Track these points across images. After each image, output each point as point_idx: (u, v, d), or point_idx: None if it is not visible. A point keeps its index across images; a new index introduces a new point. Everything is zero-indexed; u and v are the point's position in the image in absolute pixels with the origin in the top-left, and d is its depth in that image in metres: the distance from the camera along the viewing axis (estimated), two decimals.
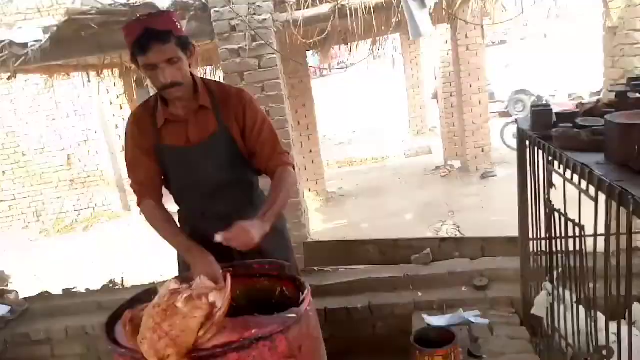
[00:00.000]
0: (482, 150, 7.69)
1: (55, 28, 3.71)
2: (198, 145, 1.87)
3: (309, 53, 8.35)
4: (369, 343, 2.86)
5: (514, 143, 8.89)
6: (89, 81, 6.61)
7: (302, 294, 1.64)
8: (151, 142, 1.90)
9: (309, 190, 7.83)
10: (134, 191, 1.97)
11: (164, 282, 1.70)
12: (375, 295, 2.89)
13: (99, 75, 6.71)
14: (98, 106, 8.56)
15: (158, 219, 1.90)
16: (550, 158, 1.91)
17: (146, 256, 5.98)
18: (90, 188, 9.26)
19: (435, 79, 11.21)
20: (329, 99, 15.23)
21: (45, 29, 3.79)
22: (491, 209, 5.36)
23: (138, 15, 1.76)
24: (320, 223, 6.40)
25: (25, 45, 3.80)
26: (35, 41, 3.74)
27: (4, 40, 3.77)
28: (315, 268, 3.29)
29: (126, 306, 1.72)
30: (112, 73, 7.05)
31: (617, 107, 1.93)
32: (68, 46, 3.88)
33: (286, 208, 1.92)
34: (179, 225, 1.97)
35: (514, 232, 3.12)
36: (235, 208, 1.93)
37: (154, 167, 1.93)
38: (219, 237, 1.61)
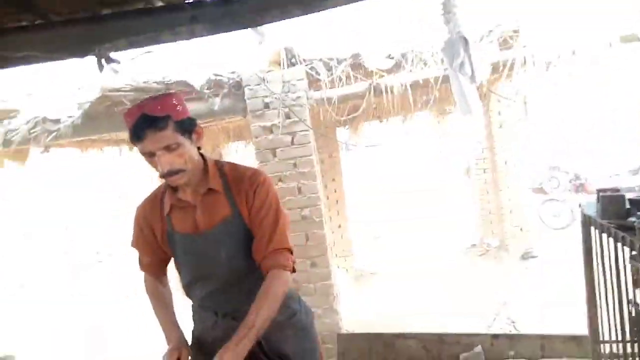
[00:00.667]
0: (521, 230, 7.32)
1: (88, 104, 3.72)
2: (207, 232, 1.71)
3: (339, 128, 8.37)
4: None
5: (552, 222, 8.57)
6: (120, 155, 6.68)
7: None
8: (160, 230, 1.79)
9: (337, 267, 7.52)
10: (141, 269, 1.93)
11: None
12: None
13: (131, 150, 6.78)
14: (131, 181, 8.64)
15: (155, 296, 1.87)
16: (634, 252, 1.64)
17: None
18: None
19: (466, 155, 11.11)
20: (358, 173, 15.19)
21: (79, 105, 3.81)
22: (541, 296, 4.93)
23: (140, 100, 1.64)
24: (349, 304, 6.03)
25: (58, 120, 3.81)
26: (69, 117, 3.75)
27: (37, 116, 3.80)
28: None
29: None
30: None
31: None
32: (100, 122, 3.88)
33: (267, 325, 1.62)
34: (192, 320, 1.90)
35: (575, 327, 2.78)
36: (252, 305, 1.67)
37: (159, 255, 1.85)
38: None
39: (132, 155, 7.07)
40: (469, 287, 5.85)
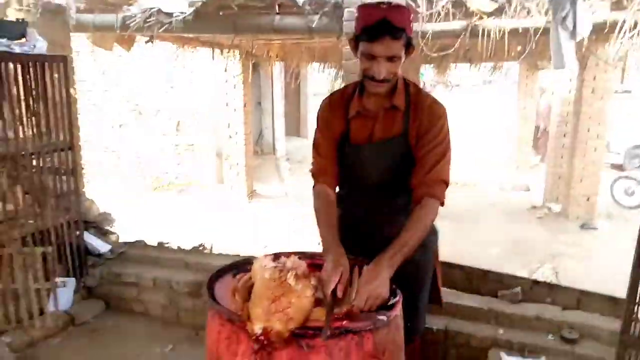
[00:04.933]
0: (588, 200, 7.19)
1: (200, 3, 3.98)
2: (377, 143, 1.84)
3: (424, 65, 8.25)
4: None
5: (624, 199, 8.28)
6: (212, 58, 7.02)
7: (394, 298, 1.63)
8: (339, 130, 1.89)
9: None
10: (312, 173, 1.97)
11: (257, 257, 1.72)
12: (453, 321, 2.80)
13: (222, 54, 7.10)
14: (213, 82, 9.07)
15: (320, 205, 1.87)
16: None
17: (231, 227, 6.40)
18: (191, 155, 9.88)
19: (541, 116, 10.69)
20: None
21: (190, 2, 4.07)
22: (592, 263, 4.97)
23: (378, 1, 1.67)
24: None
25: (170, 14, 4.11)
26: (181, 12, 4.04)
27: (153, 8, 4.11)
28: None
29: (226, 269, 1.80)
30: (233, 54, 7.42)
31: None
32: (207, 22, 4.15)
33: (416, 247, 1.70)
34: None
35: (617, 292, 2.89)
36: (391, 215, 1.87)
37: (335, 154, 1.93)
38: (355, 307, 1.51)
39: (222, 60, 7.41)
40: (518, 240, 5.94)
